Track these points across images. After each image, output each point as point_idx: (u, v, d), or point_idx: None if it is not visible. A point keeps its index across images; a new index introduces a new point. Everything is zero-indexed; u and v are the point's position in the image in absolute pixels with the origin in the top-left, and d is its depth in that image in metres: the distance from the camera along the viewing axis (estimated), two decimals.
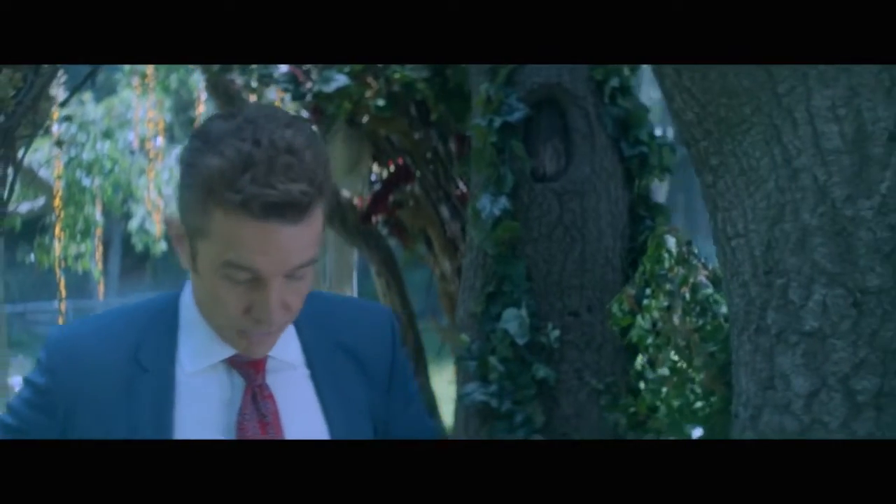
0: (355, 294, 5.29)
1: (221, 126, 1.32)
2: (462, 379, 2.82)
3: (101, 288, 10.62)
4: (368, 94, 3.59)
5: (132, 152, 10.18)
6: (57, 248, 8.25)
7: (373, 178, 4.80)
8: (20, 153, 2.78)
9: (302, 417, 1.53)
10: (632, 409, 2.55)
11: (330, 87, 3.56)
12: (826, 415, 1.79)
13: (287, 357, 1.53)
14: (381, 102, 3.61)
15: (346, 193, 4.72)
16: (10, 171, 2.69)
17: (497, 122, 2.83)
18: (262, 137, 1.29)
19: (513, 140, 2.83)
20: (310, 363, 1.55)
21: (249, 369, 1.49)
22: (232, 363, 1.49)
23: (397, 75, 3.46)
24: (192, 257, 1.40)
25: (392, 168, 4.48)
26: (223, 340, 1.46)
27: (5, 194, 2.69)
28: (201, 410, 1.48)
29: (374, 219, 4.55)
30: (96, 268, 9.69)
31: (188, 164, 1.34)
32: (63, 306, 7.90)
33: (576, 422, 2.68)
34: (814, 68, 1.72)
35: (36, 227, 9.68)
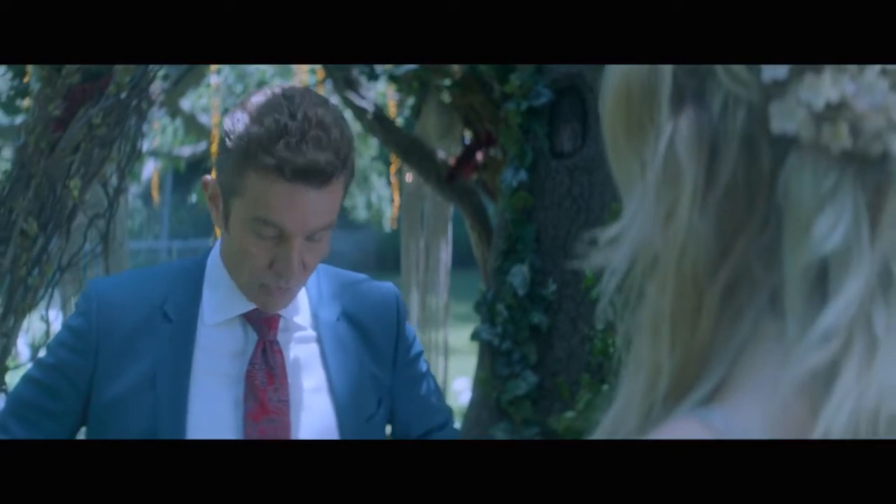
0: (450, 245, 5.81)
1: (262, 101, 1.46)
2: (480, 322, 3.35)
3: None
4: (435, 74, 4.09)
5: None
6: None
7: (466, 141, 5.31)
8: (139, 122, 3.34)
9: (306, 376, 1.62)
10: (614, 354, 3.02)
11: (400, 70, 4.10)
12: None
13: (297, 319, 1.63)
14: (447, 82, 4.11)
15: (441, 154, 5.25)
16: (127, 140, 3.24)
17: (524, 105, 3.31)
18: (297, 112, 1.42)
19: (535, 122, 3.31)
20: (316, 328, 1.64)
21: (263, 325, 1.59)
22: (248, 318, 1.59)
23: None
24: (224, 216, 1.52)
25: (478, 134, 4.97)
26: (245, 296, 1.55)
27: (124, 161, 3.25)
28: (216, 359, 1.58)
29: (458, 178, 5.05)
30: None
31: (230, 132, 1.47)
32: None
33: (566, 362, 3.15)
34: None
35: (198, 169, 10.40)
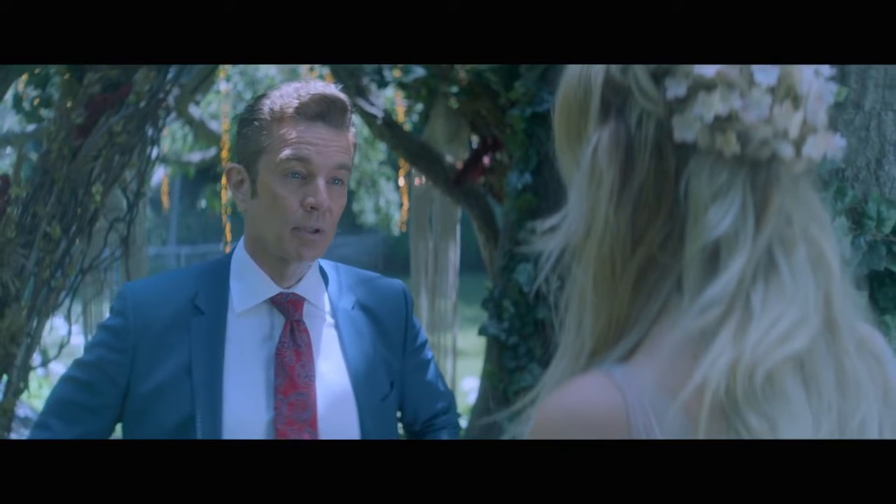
0: (458, 247, 5.90)
1: (275, 91, 1.69)
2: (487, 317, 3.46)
3: None
4: (443, 81, 4.20)
5: None
6: (223, 195, 8.88)
7: (474, 146, 5.42)
8: (156, 130, 3.44)
9: (326, 358, 1.72)
10: None
11: (409, 78, 4.22)
12: None
13: (319, 304, 1.74)
14: (454, 89, 4.22)
15: (449, 159, 5.36)
16: (146, 147, 3.33)
17: (528, 111, 3.42)
18: (308, 82, 1.66)
19: (539, 127, 3.43)
20: (334, 315, 1.76)
21: (290, 307, 1.70)
22: (274, 302, 1.70)
23: (467, 66, 4.05)
24: (251, 185, 1.67)
25: (484, 139, 5.08)
26: (280, 249, 1.65)
27: (143, 166, 3.34)
28: (247, 345, 1.67)
29: (466, 182, 5.15)
30: None
31: (252, 110, 1.68)
32: (228, 249, 8.33)
33: None
34: None
35: (208, 175, 10.41)
